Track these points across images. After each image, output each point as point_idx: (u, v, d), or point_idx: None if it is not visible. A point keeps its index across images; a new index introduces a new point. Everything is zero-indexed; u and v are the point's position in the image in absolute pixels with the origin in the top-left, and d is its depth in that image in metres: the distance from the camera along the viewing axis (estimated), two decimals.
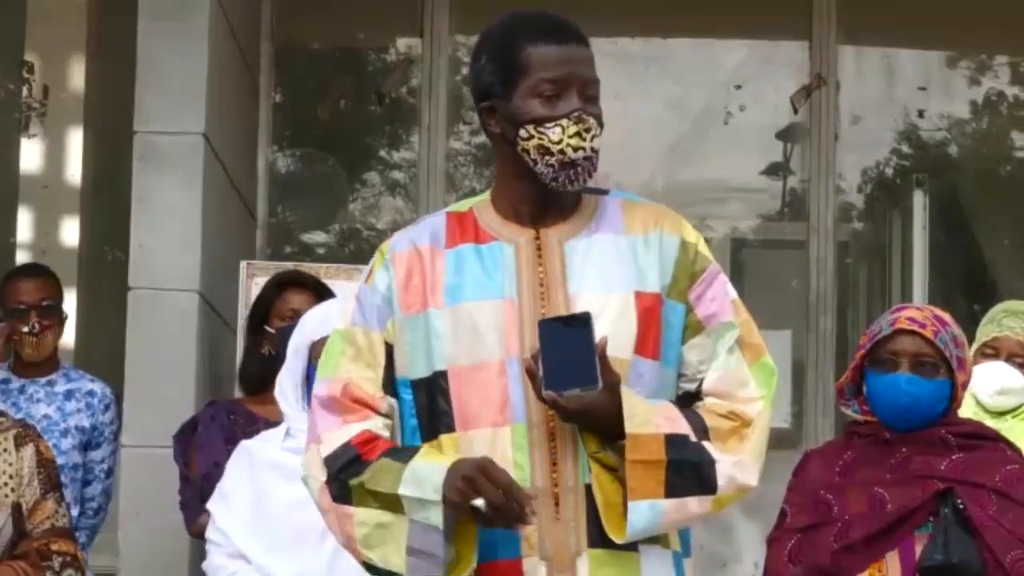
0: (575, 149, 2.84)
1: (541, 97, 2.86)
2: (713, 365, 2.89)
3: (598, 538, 2.80)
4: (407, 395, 2.89)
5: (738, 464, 2.82)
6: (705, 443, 2.81)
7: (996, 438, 3.97)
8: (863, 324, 7.62)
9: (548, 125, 2.85)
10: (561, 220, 2.92)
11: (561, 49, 2.88)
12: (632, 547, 2.81)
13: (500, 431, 2.83)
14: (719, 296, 2.91)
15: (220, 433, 5.02)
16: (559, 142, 2.84)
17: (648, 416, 2.78)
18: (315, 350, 4.05)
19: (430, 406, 2.86)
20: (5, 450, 3.85)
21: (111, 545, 5.81)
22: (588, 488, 2.80)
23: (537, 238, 2.91)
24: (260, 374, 5.19)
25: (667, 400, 2.86)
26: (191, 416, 5.20)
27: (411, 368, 2.88)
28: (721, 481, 2.80)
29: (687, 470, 2.78)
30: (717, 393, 2.88)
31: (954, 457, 3.83)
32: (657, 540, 2.84)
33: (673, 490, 2.77)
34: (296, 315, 5.16)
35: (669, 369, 2.88)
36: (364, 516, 2.84)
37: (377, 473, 2.83)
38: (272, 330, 5.18)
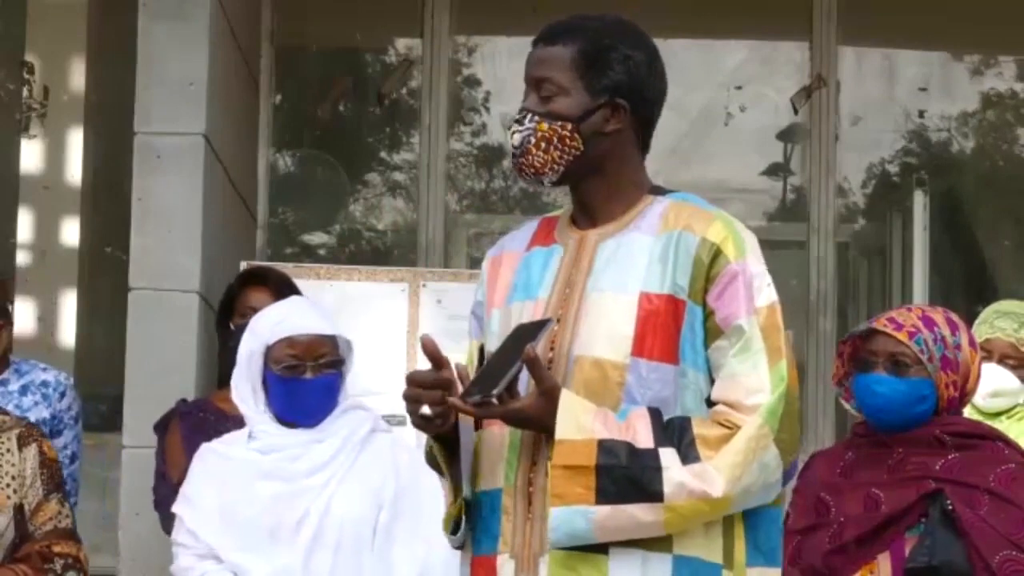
0: (510, 147, 2.96)
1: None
2: (721, 372, 2.84)
3: None
4: None
5: (697, 472, 2.75)
6: (663, 449, 2.75)
7: (995, 437, 3.96)
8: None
9: None
10: (609, 221, 2.95)
11: (531, 53, 2.98)
12: (601, 550, 2.79)
13: (505, 429, 2.88)
14: (737, 297, 2.85)
15: (193, 430, 5.00)
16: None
17: (584, 422, 2.76)
18: (271, 354, 4.03)
19: None
20: (8, 451, 3.84)
21: (111, 545, 5.80)
22: None
23: (582, 240, 2.95)
24: (226, 370, 5.20)
25: (665, 405, 2.82)
26: (162, 416, 5.17)
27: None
28: (668, 488, 2.73)
29: (620, 476, 2.74)
30: (724, 400, 2.83)
31: (950, 457, 3.83)
32: (640, 543, 2.78)
33: (606, 496, 2.74)
34: (252, 313, 5.16)
35: (695, 373, 2.84)
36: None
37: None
38: (232, 327, 5.17)
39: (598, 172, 2.94)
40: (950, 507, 3.74)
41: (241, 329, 5.13)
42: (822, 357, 7.44)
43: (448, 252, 7.59)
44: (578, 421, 2.76)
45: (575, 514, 2.74)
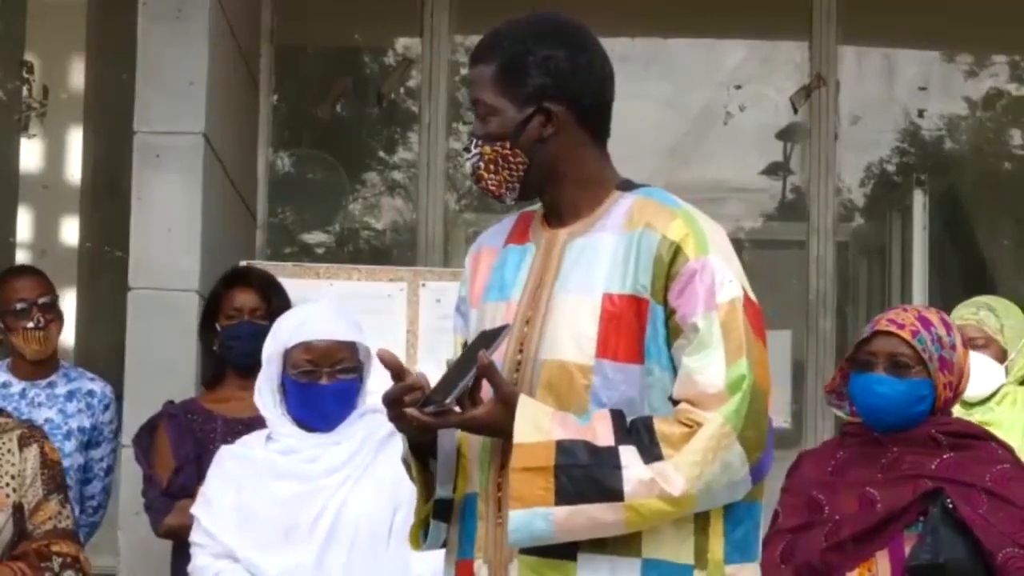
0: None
1: None
2: (680, 370, 2.80)
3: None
4: None
5: (657, 471, 2.71)
6: (623, 447, 2.72)
7: (987, 437, 3.98)
8: (863, 324, 7.61)
9: None
10: (576, 219, 2.92)
11: (469, 73, 2.95)
12: (569, 555, 2.77)
13: (481, 435, 2.87)
14: (693, 296, 2.80)
15: (182, 432, 5.01)
16: None
17: (542, 424, 2.74)
18: (289, 358, 4.04)
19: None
20: (9, 451, 3.85)
21: (111, 545, 5.80)
22: None
23: (552, 239, 2.93)
24: (213, 371, 5.21)
25: (632, 406, 2.79)
26: (148, 419, 5.18)
27: None
28: (628, 487, 2.70)
29: (579, 475, 2.71)
30: (685, 399, 2.79)
31: (945, 456, 3.84)
32: (608, 547, 2.77)
33: (564, 497, 2.71)
34: (239, 314, 5.16)
35: (661, 371, 2.81)
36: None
37: None
38: (219, 328, 5.18)
39: (554, 177, 2.91)
40: (951, 505, 3.75)
41: (227, 329, 5.15)
42: (822, 357, 7.44)
43: (447, 251, 7.59)
44: (536, 424, 2.74)
45: (534, 516, 2.72)
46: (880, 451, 3.88)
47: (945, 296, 7.43)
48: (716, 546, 2.83)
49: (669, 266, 2.81)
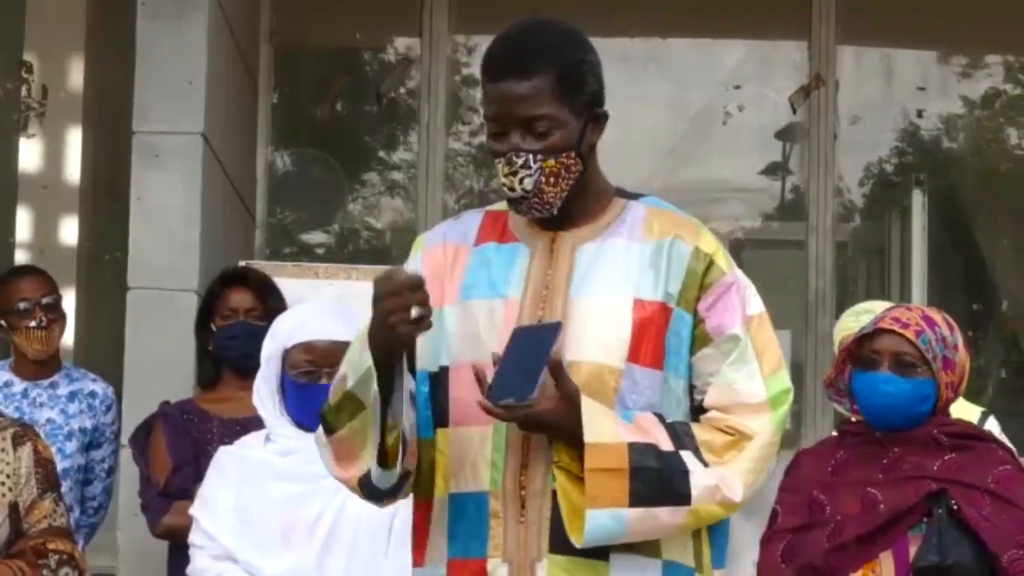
0: (509, 189, 2.86)
1: (491, 134, 2.90)
2: (715, 379, 2.85)
3: (561, 544, 2.78)
4: (424, 387, 2.90)
5: (720, 477, 2.78)
6: (683, 453, 2.77)
7: (988, 439, 3.99)
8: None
9: (496, 161, 2.88)
10: (583, 224, 2.92)
11: (495, 87, 2.87)
12: (602, 555, 2.79)
13: (485, 431, 2.84)
14: (730, 308, 2.86)
15: (179, 433, 5.01)
16: (501, 180, 2.87)
17: (609, 426, 2.76)
18: (288, 358, 4.03)
19: (436, 400, 2.89)
20: (3, 450, 3.84)
21: (111, 545, 5.80)
22: (555, 493, 2.79)
23: (554, 241, 2.92)
24: (208, 371, 5.21)
25: (654, 411, 2.82)
26: (144, 420, 5.18)
27: (427, 361, 2.90)
28: (695, 492, 2.76)
29: (653, 478, 2.75)
30: (719, 407, 2.85)
31: (947, 457, 3.84)
32: (637, 549, 2.80)
33: (638, 499, 2.74)
34: (234, 314, 5.17)
35: (677, 379, 2.86)
36: (344, 433, 2.86)
37: (333, 391, 2.87)
38: (215, 328, 5.18)
39: (585, 183, 2.91)
40: (955, 507, 3.75)
41: (223, 330, 5.15)
42: (821, 356, 7.44)
43: None
44: (601, 424, 2.75)
45: (609, 516, 2.73)
46: (881, 451, 3.88)
47: (944, 296, 7.44)
48: (706, 551, 2.91)
49: (703, 277, 2.87)
